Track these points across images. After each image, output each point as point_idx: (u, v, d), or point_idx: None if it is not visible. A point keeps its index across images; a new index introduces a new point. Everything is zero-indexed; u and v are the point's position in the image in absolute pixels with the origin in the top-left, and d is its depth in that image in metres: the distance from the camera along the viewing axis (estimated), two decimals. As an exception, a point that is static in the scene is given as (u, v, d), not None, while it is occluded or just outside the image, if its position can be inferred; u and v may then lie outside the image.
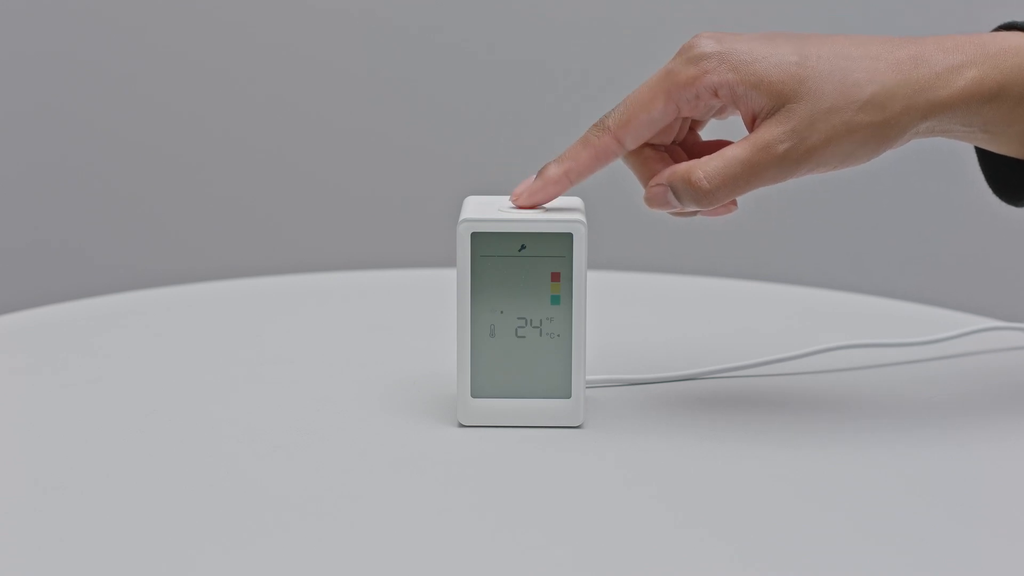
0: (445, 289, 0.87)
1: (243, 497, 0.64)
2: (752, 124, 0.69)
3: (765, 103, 0.68)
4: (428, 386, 0.78)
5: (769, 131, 0.68)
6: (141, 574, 0.57)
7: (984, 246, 1.82)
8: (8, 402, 0.78)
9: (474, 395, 0.72)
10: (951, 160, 1.74)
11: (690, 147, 0.74)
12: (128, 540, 0.60)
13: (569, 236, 0.71)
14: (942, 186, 1.80)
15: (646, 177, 0.72)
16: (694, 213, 0.71)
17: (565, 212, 0.72)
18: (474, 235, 0.71)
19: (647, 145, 0.73)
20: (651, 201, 0.71)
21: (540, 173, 0.72)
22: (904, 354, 0.85)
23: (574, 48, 1.78)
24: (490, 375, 0.72)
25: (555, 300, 0.72)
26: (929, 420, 0.74)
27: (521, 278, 0.71)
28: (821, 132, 0.68)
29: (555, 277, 0.71)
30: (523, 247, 0.71)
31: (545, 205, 0.73)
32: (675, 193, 0.70)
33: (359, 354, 0.85)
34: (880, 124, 0.68)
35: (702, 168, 0.69)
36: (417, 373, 0.80)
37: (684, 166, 0.69)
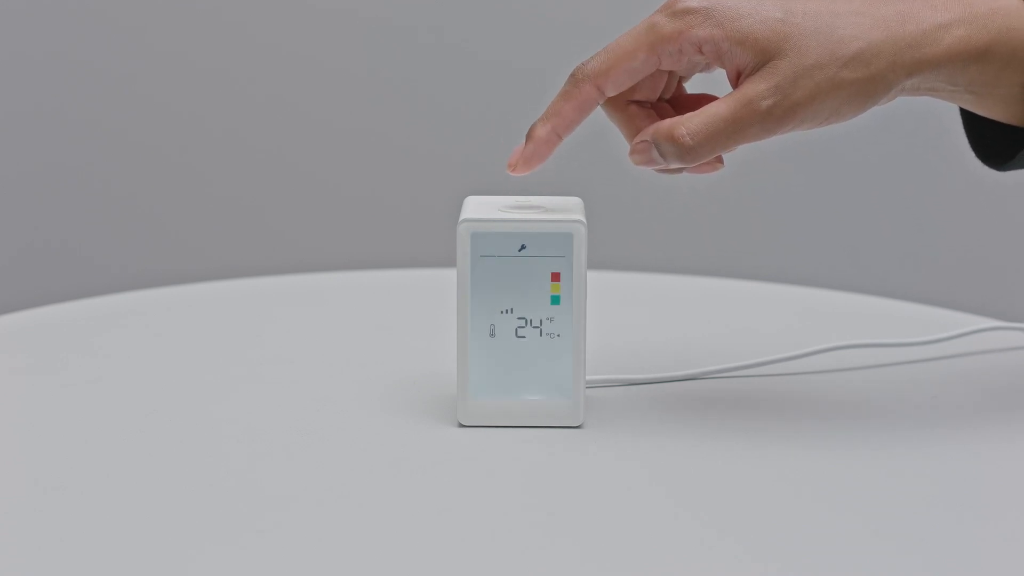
0: (445, 289, 0.87)
1: (243, 497, 0.64)
2: (736, 80, 0.69)
3: (749, 59, 0.68)
4: (428, 386, 0.78)
5: (753, 87, 0.68)
6: (141, 574, 0.57)
7: (984, 246, 1.82)
8: (8, 402, 0.78)
9: (474, 395, 0.72)
10: (952, 159, 1.74)
11: (675, 101, 0.74)
12: (128, 540, 0.60)
13: (569, 236, 0.71)
14: (943, 186, 1.80)
15: (632, 134, 0.72)
16: (680, 170, 0.71)
17: (565, 212, 0.72)
18: (474, 235, 0.71)
19: (633, 102, 0.72)
20: (636, 157, 0.71)
21: (528, 136, 0.71)
22: (904, 354, 0.85)
23: (574, 48, 1.77)
24: (490, 375, 0.72)
25: (555, 300, 0.71)
26: (929, 420, 0.74)
27: (521, 278, 0.71)
28: (805, 88, 0.68)
29: (555, 277, 0.71)
30: (523, 247, 0.71)
31: (545, 205, 0.73)
32: (659, 150, 0.69)
33: (359, 354, 0.85)
34: (865, 80, 0.68)
35: (685, 124, 0.69)
36: (417, 373, 0.80)
37: (667, 123, 0.69)
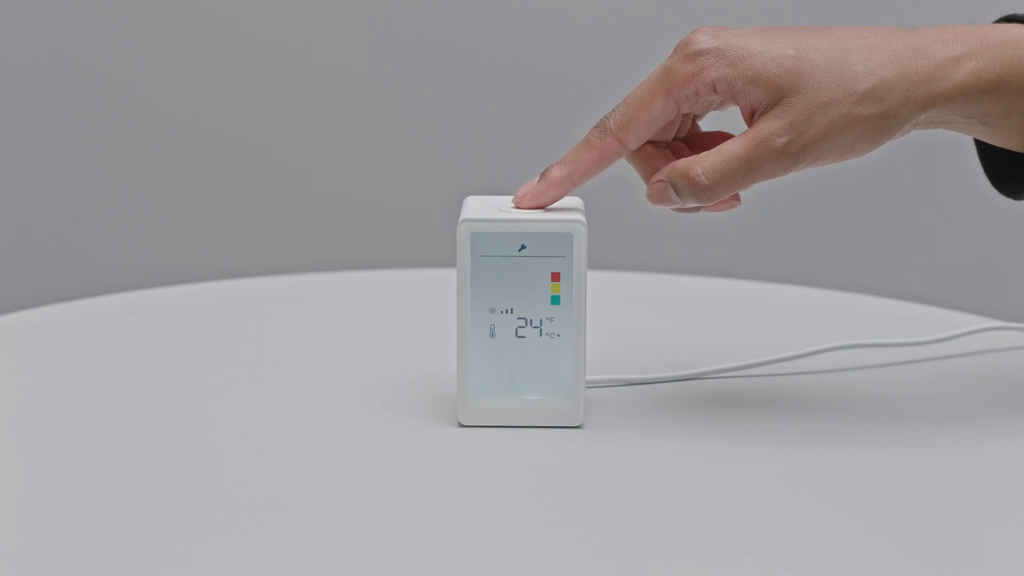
0: (445, 289, 0.87)
1: (243, 497, 0.64)
2: (751, 118, 0.69)
3: (763, 98, 0.68)
4: (428, 386, 0.78)
5: (767, 125, 0.68)
6: (141, 574, 0.57)
7: (984, 246, 1.82)
8: (8, 402, 0.78)
9: (474, 395, 0.72)
10: (952, 160, 1.74)
11: (690, 139, 0.74)
12: (128, 540, 0.60)
13: (569, 236, 0.71)
14: (942, 186, 1.80)
15: (648, 174, 0.72)
16: (697, 208, 0.71)
17: (565, 212, 0.72)
18: (474, 235, 0.71)
19: (648, 142, 0.73)
20: (653, 198, 0.71)
21: (543, 175, 0.72)
22: (904, 354, 0.85)
23: (575, 48, 1.78)
24: (490, 375, 0.72)
25: (555, 300, 0.71)
26: (929, 420, 0.74)
27: (521, 278, 0.71)
28: (819, 126, 0.68)
29: (555, 277, 0.71)
30: (523, 247, 0.71)
31: (545, 205, 0.73)
32: (675, 189, 0.70)
33: (359, 354, 0.85)
34: (879, 116, 0.68)
35: (700, 164, 0.69)
36: (417, 373, 0.80)
37: (683, 162, 0.69)
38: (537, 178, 0.72)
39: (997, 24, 0.71)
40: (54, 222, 1.83)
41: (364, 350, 0.86)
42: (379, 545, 0.60)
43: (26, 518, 0.62)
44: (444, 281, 0.91)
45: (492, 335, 0.72)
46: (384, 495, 0.65)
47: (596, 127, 0.71)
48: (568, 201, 0.74)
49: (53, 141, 1.81)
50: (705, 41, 0.69)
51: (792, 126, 0.68)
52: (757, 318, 0.96)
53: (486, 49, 1.78)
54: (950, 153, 1.72)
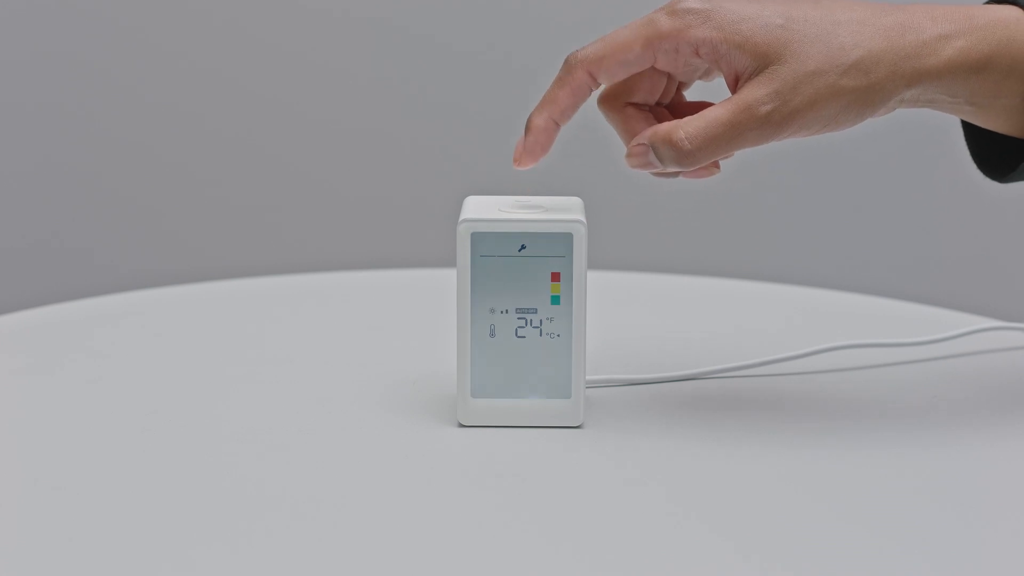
0: (445, 289, 0.87)
1: (243, 497, 0.64)
2: (735, 85, 0.69)
3: (749, 64, 0.68)
4: (428, 386, 0.78)
5: (752, 92, 0.68)
6: (141, 574, 0.57)
7: (984, 246, 1.82)
8: (8, 402, 0.78)
9: (474, 395, 0.72)
10: (952, 160, 1.74)
11: (674, 108, 0.74)
12: (128, 540, 0.60)
13: (569, 236, 0.71)
14: (943, 186, 1.80)
15: (629, 136, 0.72)
16: (676, 174, 0.71)
17: (565, 212, 0.72)
18: (474, 235, 0.71)
19: (630, 104, 0.72)
20: (632, 160, 0.70)
21: (527, 127, 0.71)
22: (904, 354, 0.85)
23: (574, 48, 1.78)
24: (490, 375, 0.72)
25: (555, 300, 0.72)
26: (929, 420, 0.74)
27: (521, 278, 0.71)
28: (804, 95, 0.68)
29: (555, 277, 0.71)
30: (523, 247, 0.71)
31: (545, 205, 0.73)
32: (656, 153, 0.69)
33: (359, 354, 0.85)
34: (864, 89, 0.68)
35: (683, 128, 0.68)
36: (417, 373, 0.80)
37: (666, 126, 0.69)
38: (524, 134, 0.71)
39: (987, 4, 0.71)
40: (54, 222, 1.83)
41: (364, 350, 0.86)
42: (379, 545, 0.60)
43: (26, 518, 0.62)
44: (444, 281, 0.91)
45: (492, 335, 0.72)
46: (384, 495, 0.65)
47: (564, 63, 0.70)
48: (568, 201, 0.74)
49: (53, 141, 1.81)
50: (695, 1, 0.69)
51: (777, 94, 0.68)
52: (757, 318, 0.96)
53: (487, 49, 1.78)
54: (951, 153, 1.72)
